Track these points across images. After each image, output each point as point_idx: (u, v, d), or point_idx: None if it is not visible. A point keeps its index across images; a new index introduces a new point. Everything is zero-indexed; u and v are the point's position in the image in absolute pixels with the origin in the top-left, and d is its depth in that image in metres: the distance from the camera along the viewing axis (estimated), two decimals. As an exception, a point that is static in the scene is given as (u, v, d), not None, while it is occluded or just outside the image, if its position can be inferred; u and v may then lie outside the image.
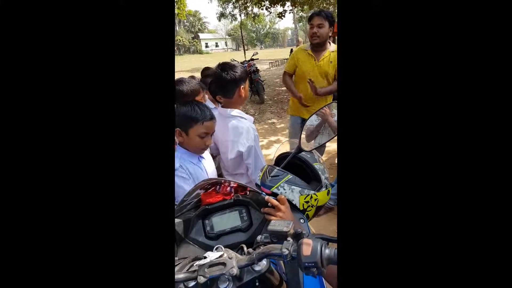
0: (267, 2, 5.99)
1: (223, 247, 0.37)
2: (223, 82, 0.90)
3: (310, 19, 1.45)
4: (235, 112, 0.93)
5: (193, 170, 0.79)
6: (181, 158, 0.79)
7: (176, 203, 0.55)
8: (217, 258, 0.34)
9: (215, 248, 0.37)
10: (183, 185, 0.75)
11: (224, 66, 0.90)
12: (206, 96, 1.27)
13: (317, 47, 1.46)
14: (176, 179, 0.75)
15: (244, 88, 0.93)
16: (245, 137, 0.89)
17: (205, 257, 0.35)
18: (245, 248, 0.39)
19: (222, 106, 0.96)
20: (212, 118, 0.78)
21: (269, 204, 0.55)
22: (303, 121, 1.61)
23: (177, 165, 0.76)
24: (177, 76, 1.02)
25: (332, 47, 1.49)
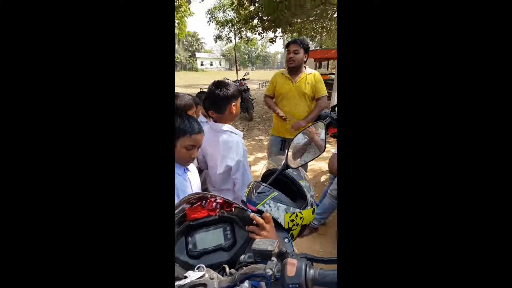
0: (260, 28, 6.43)
1: (204, 267, 0.35)
2: (216, 99, 0.92)
3: (287, 46, 1.63)
4: (226, 127, 0.94)
5: (177, 181, 0.77)
6: None
7: None
8: (198, 278, 0.33)
9: (196, 267, 0.35)
10: None
11: (218, 84, 0.93)
12: (200, 111, 1.29)
13: (293, 70, 1.62)
14: None
15: (236, 106, 0.95)
16: (235, 151, 0.90)
17: (185, 277, 0.33)
18: (227, 269, 0.37)
19: (213, 121, 0.97)
20: (200, 131, 0.78)
21: (254, 222, 0.54)
22: (283, 140, 1.70)
23: None
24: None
25: (308, 70, 1.65)
